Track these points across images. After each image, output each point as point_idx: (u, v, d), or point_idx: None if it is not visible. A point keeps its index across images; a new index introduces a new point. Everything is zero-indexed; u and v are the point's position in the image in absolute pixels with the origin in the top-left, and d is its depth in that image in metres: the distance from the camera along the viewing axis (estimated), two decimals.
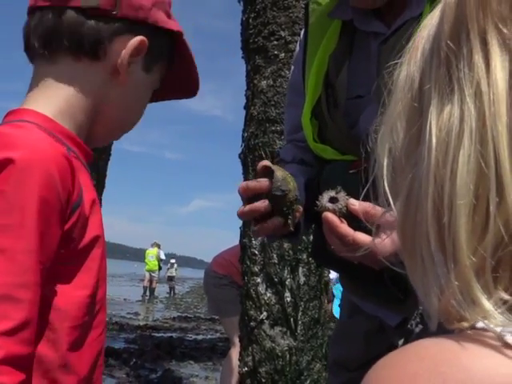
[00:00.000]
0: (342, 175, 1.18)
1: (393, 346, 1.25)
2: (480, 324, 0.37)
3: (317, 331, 2.53)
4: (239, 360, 2.60)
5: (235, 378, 3.94)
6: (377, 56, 1.20)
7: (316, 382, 2.50)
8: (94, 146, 0.92)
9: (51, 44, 0.86)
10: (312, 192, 1.28)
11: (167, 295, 19.19)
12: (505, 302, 0.36)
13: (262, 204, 1.06)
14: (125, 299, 15.30)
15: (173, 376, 5.73)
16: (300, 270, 2.52)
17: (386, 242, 0.98)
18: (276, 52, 2.73)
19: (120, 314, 11.04)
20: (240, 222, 4.46)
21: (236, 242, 4.46)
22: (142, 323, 9.93)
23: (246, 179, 2.79)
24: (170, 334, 8.59)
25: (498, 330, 0.36)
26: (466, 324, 0.38)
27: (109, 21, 0.86)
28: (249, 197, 1.09)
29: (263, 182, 1.06)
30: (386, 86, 0.50)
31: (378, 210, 1.01)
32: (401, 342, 1.20)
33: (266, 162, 1.08)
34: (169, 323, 10.30)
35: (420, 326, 1.17)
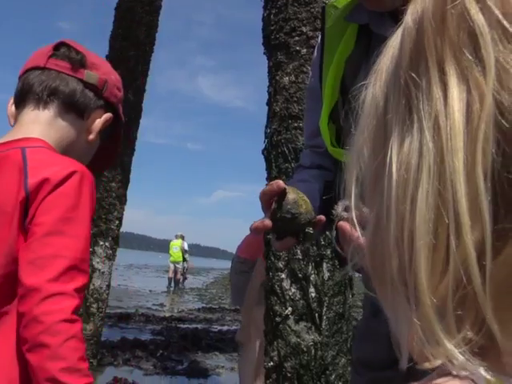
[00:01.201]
0: None
1: None
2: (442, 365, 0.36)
3: (341, 326, 2.54)
4: (265, 355, 2.63)
5: (253, 371, 3.97)
6: None
7: (341, 377, 2.52)
8: None
9: (54, 95, 1.17)
10: (332, 193, 1.30)
11: (192, 286, 19.32)
12: (469, 340, 0.35)
13: (260, 223, 1.10)
14: (150, 290, 15.49)
15: (199, 367, 5.81)
16: (324, 265, 2.54)
17: None
18: (298, 48, 2.73)
19: (146, 306, 11.19)
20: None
21: None
22: (167, 314, 10.06)
23: (269, 175, 2.81)
24: (195, 326, 8.69)
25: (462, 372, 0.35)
26: (429, 365, 0.37)
27: (97, 96, 1.23)
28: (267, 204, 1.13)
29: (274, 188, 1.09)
30: (353, 110, 0.46)
31: None
32: None
33: (281, 184, 1.09)
34: (194, 314, 10.41)
35: None
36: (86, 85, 1.21)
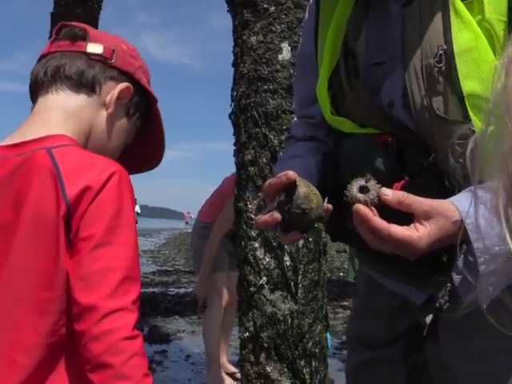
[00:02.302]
0: (367, 149, 1.11)
1: (418, 324, 1.23)
2: None
3: (317, 293, 2.51)
4: (238, 325, 2.58)
5: (217, 339, 3.96)
6: (400, 20, 1.11)
7: (318, 344, 2.50)
8: None
9: (59, 75, 1.09)
10: (329, 167, 1.21)
11: (145, 248, 19.17)
12: None
13: (270, 218, 1.02)
14: None
15: (160, 332, 5.75)
16: None
17: (422, 235, 0.92)
18: (266, 5, 2.59)
19: None
20: (224, 174, 4.37)
21: (211, 190, 4.36)
22: None
23: (238, 140, 2.70)
24: (152, 289, 8.60)
25: None
26: None
27: (106, 66, 1.13)
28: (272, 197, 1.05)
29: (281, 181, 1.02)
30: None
31: (412, 199, 0.95)
32: (428, 319, 1.16)
33: (291, 175, 1.00)
34: (149, 278, 10.31)
35: (448, 304, 1.13)
36: (91, 56, 1.12)
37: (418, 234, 0.92)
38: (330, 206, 1.06)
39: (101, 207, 0.96)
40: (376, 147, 1.09)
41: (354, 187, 0.96)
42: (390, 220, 0.93)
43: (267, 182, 1.06)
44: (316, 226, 1.04)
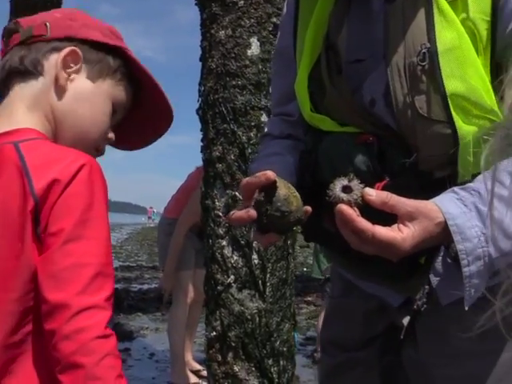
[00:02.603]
0: (348, 149, 1.08)
1: (394, 326, 1.21)
2: None
3: (285, 291, 2.49)
4: (205, 324, 2.54)
5: (182, 336, 3.91)
6: (382, 17, 1.09)
7: (285, 342, 2.49)
8: None
9: (10, 74, 1.06)
10: (308, 166, 1.18)
11: None
12: None
13: (246, 214, 0.99)
14: None
15: (123, 330, 5.65)
16: None
17: (406, 236, 0.91)
18: None
19: None
20: (189, 169, 4.31)
21: (174, 185, 4.29)
22: None
23: (205, 136, 2.65)
24: (114, 286, 8.46)
25: None
26: None
27: (43, 44, 1.05)
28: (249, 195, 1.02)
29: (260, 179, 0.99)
30: None
31: (396, 200, 0.93)
32: (405, 321, 1.15)
33: (271, 176, 0.97)
34: None
35: (426, 306, 1.13)
36: (26, 42, 1.06)
37: (402, 235, 0.90)
38: (309, 208, 1.03)
39: (70, 200, 0.92)
40: (357, 146, 1.07)
41: (337, 187, 0.93)
42: (372, 220, 0.91)
43: (244, 180, 1.02)
44: (294, 228, 1.02)
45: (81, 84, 1.07)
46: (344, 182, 0.93)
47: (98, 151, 1.13)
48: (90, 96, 1.08)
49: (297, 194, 1.01)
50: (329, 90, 1.12)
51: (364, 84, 1.10)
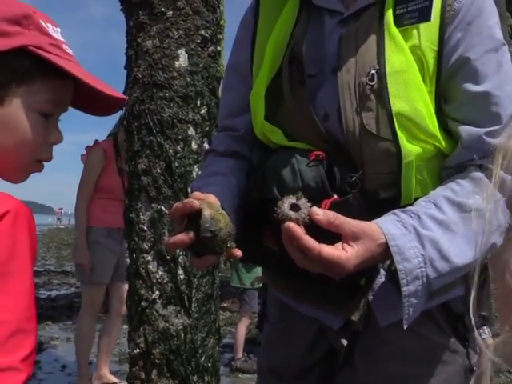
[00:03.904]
0: (297, 165, 1.09)
1: (332, 351, 1.23)
2: None
3: (210, 307, 2.47)
4: (128, 341, 2.48)
5: (88, 347, 3.80)
6: (336, 38, 1.12)
7: (210, 358, 2.47)
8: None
9: None
10: (255, 181, 1.18)
11: None
12: None
13: (185, 236, 0.99)
14: None
15: None
16: None
17: (350, 256, 0.94)
18: (163, 9, 2.50)
19: None
20: None
21: None
22: None
23: (130, 148, 2.58)
24: None
25: None
26: None
27: None
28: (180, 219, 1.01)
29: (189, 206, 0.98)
30: None
31: (342, 220, 0.96)
32: (344, 343, 1.17)
33: (195, 205, 0.97)
34: None
35: (364, 328, 1.15)
36: None
37: (346, 254, 0.94)
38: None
39: None
40: (307, 163, 1.08)
41: (285, 204, 0.96)
42: (317, 238, 0.94)
43: (174, 206, 1.01)
44: (229, 245, 1.02)
45: None
46: (292, 200, 0.96)
47: (42, 161, 1.00)
48: (1, 123, 0.92)
49: (222, 211, 1.03)
50: (288, 101, 1.13)
51: (316, 99, 1.12)
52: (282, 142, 1.15)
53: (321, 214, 0.95)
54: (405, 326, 0.99)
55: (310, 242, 0.93)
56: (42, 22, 0.94)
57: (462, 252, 0.99)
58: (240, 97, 1.26)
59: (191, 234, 0.98)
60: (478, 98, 1.07)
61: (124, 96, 1.01)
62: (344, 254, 0.93)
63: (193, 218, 0.99)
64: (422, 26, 1.07)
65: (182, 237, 0.99)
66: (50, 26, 0.95)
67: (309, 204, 0.96)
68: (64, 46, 0.96)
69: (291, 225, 0.93)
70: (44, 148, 0.98)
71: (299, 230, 0.93)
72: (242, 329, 4.60)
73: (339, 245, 0.95)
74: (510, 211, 0.59)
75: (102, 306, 3.86)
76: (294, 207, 0.95)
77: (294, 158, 1.09)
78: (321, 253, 0.92)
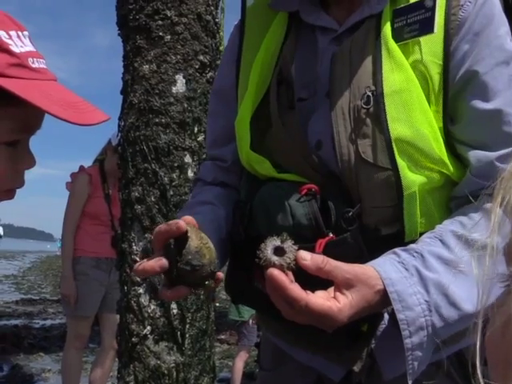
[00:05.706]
0: (288, 200, 0.98)
1: None
2: None
3: (204, 343, 2.35)
4: (117, 378, 2.35)
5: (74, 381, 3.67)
6: (329, 57, 1.02)
7: None
8: None
9: None
10: (242, 217, 1.08)
11: (7, 273, 17.75)
12: None
13: (157, 263, 0.87)
14: None
15: (22, 372, 5.25)
16: None
17: (343, 306, 0.82)
18: (161, 33, 2.44)
19: None
20: None
21: None
22: None
23: (124, 175, 2.49)
24: (14, 322, 7.89)
25: None
26: None
27: None
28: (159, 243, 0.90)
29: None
30: None
31: (333, 265, 0.84)
32: None
33: (182, 226, 0.86)
34: (12, 308, 9.49)
35: (367, 381, 1.04)
36: None
37: (338, 305, 0.81)
38: (220, 274, 0.93)
39: None
40: (298, 198, 0.97)
41: (269, 248, 0.83)
42: (308, 283, 0.82)
43: (157, 228, 0.90)
44: (207, 283, 0.91)
45: None
46: (276, 242, 0.83)
47: (14, 188, 0.91)
48: None
49: (210, 245, 0.91)
50: (276, 127, 1.03)
51: (308, 125, 1.02)
52: (270, 173, 1.03)
53: (308, 258, 0.82)
54: (409, 383, 0.87)
55: (296, 291, 0.80)
56: (1, 33, 0.81)
57: (472, 296, 0.87)
58: (226, 124, 1.15)
59: (164, 262, 0.87)
60: (487, 117, 0.95)
61: (86, 123, 0.85)
62: (336, 304, 0.81)
63: (177, 242, 0.87)
64: (424, 39, 0.96)
65: (153, 263, 0.87)
66: (13, 33, 0.83)
67: (295, 247, 0.83)
68: (30, 60, 0.83)
69: (275, 272, 0.80)
70: (13, 177, 0.88)
71: (283, 278, 0.80)
72: (240, 363, 4.45)
73: (331, 290, 0.83)
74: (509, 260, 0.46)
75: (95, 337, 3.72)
76: (279, 251, 0.82)
77: (284, 192, 0.98)
78: (308, 304, 0.79)
